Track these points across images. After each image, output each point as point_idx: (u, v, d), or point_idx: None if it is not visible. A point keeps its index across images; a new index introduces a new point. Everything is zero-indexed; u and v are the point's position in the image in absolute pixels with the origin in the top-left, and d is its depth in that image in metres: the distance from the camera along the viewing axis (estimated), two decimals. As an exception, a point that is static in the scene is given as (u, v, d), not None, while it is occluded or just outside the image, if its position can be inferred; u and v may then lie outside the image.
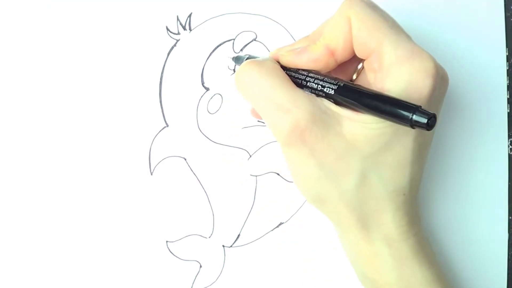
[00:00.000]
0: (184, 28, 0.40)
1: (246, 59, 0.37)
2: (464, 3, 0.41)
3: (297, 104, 0.31)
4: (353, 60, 0.34)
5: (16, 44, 0.39)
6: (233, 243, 0.40)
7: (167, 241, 0.40)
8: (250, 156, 0.40)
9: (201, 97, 0.40)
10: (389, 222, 0.32)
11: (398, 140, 0.31)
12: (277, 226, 0.41)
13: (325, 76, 0.32)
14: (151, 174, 0.40)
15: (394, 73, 0.30)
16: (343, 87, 0.31)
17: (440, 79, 0.31)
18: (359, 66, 0.35)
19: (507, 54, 0.42)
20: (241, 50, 0.40)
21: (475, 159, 0.42)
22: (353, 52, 0.32)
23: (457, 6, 0.41)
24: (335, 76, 0.34)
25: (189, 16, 0.40)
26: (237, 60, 0.38)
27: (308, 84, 0.32)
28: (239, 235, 0.40)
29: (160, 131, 0.40)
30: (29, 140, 0.39)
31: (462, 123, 0.41)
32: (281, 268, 0.41)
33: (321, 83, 0.32)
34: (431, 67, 0.30)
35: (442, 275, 0.34)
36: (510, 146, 0.42)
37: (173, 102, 0.40)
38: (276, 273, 0.40)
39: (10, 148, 0.39)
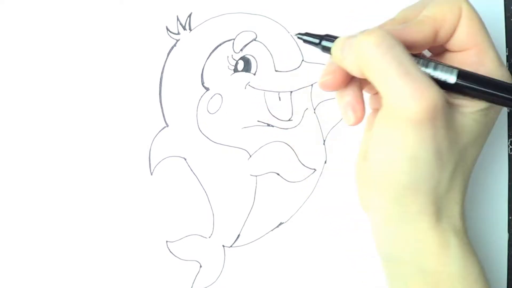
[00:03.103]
0: (184, 28, 0.40)
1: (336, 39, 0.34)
2: (464, 3, 0.41)
3: (433, 84, 0.30)
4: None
5: (16, 44, 0.39)
6: (233, 243, 0.40)
7: (167, 241, 0.40)
8: (250, 156, 0.40)
9: (201, 97, 0.40)
10: (457, 214, 0.33)
11: (483, 132, 0.33)
12: (277, 226, 0.41)
13: (440, 62, 0.33)
14: (151, 174, 0.40)
15: (498, 73, 0.32)
16: (466, 73, 0.32)
17: None
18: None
19: (507, 54, 0.42)
20: (241, 50, 0.40)
21: (475, 159, 0.42)
22: (446, 40, 0.33)
23: (457, 6, 0.41)
24: None
25: (189, 16, 0.40)
26: (313, 37, 0.34)
27: (428, 69, 0.32)
28: (239, 235, 0.40)
29: (160, 131, 0.40)
30: (29, 140, 0.39)
31: (462, 123, 0.41)
32: (281, 268, 0.41)
33: (443, 68, 0.32)
34: None
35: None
36: (510, 146, 0.42)
37: (173, 102, 0.40)
38: (276, 273, 0.40)
39: (10, 148, 0.39)
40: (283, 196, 0.41)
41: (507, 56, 0.41)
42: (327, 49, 0.33)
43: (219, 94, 0.40)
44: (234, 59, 0.40)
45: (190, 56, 0.40)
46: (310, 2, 0.40)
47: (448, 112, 0.31)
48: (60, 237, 0.39)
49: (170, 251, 0.40)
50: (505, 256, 0.42)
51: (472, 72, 0.32)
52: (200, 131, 0.40)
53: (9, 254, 0.39)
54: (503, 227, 0.42)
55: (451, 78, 0.31)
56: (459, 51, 0.33)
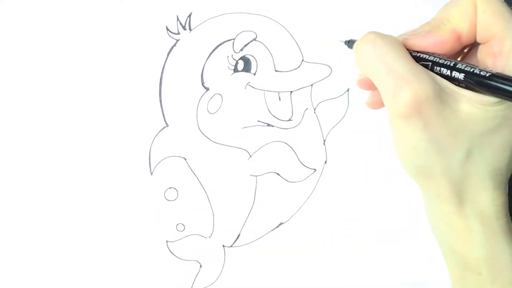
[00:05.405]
0: (184, 28, 0.40)
1: None
2: (464, 3, 0.41)
3: (419, 76, 0.31)
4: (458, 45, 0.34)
5: (16, 44, 0.39)
6: (233, 243, 0.40)
7: (167, 241, 0.40)
8: (250, 156, 0.40)
9: (201, 97, 0.40)
10: (486, 200, 0.33)
11: (508, 124, 0.32)
12: (277, 226, 0.41)
13: (446, 57, 0.33)
14: (151, 174, 0.40)
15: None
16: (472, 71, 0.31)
17: None
18: (465, 50, 0.35)
19: (507, 54, 0.41)
20: (241, 50, 0.40)
21: (475, 159, 0.42)
22: (473, 39, 0.33)
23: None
24: None
25: (189, 16, 0.40)
26: (351, 44, 0.38)
27: (431, 64, 0.33)
28: (239, 235, 0.40)
29: (160, 131, 0.40)
30: (30, 140, 0.39)
31: (462, 123, 0.41)
32: (281, 268, 0.41)
33: (445, 62, 0.32)
34: None
35: None
36: (510, 146, 0.42)
37: (173, 102, 0.40)
38: (276, 273, 0.41)
39: (10, 148, 0.39)
40: (283, 196, 0.41)
41: (507, 56, 0.41)
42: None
43: (219, 94, 0.40)
44: (234, 59, 0.40)
45: (190, 56, 0.40)
46: (310, 2, 0.40)
47: (446, 100, 0.31)
48: (60, 237, 0.39)
49: (170, 251, 0.40)
50: (505, 256, 0.42)
51: (478, 68, 0.32)
52: (200, 131, 0.40)
53: (9, 253, 0.39)
54: (503, 227, 0.42)
55: (460, 77, 0.32)
56: (486, 42, 0.33)
